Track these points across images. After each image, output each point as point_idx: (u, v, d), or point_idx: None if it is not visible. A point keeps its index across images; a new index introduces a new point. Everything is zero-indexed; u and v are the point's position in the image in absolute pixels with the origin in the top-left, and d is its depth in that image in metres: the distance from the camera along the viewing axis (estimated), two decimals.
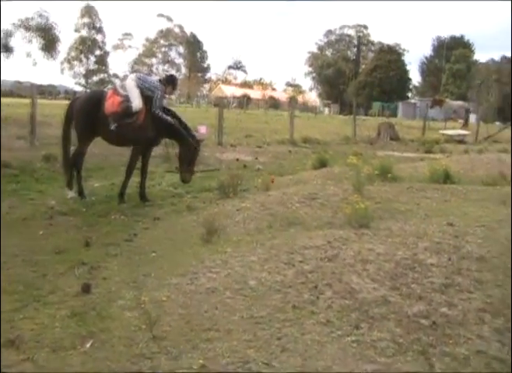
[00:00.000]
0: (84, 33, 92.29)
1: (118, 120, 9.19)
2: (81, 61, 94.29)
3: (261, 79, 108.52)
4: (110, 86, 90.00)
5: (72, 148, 9.91)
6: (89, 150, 10.02)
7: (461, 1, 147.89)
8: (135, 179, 9.80)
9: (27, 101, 17.69)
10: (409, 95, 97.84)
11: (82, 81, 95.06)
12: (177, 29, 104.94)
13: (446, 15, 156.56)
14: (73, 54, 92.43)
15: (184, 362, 3.69)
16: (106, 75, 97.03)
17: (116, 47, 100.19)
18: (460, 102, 47.67)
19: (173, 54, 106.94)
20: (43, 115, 19.22)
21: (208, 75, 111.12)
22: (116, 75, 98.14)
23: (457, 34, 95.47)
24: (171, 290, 4.89)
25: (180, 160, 9.71)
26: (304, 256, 5.32)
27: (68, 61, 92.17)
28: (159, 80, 9.72)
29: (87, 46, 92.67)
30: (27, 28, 33.70)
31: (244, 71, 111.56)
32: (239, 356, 3.75)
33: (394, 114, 70.28)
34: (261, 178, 9.70)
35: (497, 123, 49.11)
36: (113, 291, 5.06)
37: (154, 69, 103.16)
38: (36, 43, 34.56)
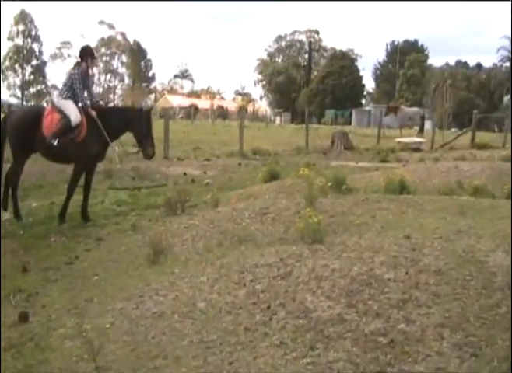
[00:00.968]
0: (19, 41, 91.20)
1: (59, 136, 9.05)
2: (16, 71, 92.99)
3: (208, 88, 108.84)
4: (48, 98, 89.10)
5: (7, 166, 9.73)
6: (26, 167, 9.85)
7: (415, 3, 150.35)
8: (77, 197, 9.65)
9: None
10: (363, 102, 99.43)
11: (18, 93, 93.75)
12: (119, 37, 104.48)
13: (399, 19, 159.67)
14: (7, 63, 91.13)
15: None
16: (44, 86, 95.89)
17: (54, 57, 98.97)
18: (415, 109, 48.43)
19: (115, 63, 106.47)
20: None
21: (153, 85, 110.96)
22: (55, 86, 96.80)
23: (411, 38, 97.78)
24: (115, 315, 4.85)
25: (137, 138, 9.55)
26: (256, 275, 5.32)
27: (2, 72, 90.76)
28: (73, 67, 9.62)
29: (22, 55, 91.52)
30: None
31: (191, 80, 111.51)
32: None
33: (348, 122, 71.14)
34: (210, 193, 9.67)
35: (453, 129, 50.18)
36: (53, 319, 4.99)
37: (96, 79, 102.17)
38: None
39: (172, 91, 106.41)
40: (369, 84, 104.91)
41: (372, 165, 19.29)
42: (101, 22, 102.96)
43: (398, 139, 31.00)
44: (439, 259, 5.32)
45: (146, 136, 9.44)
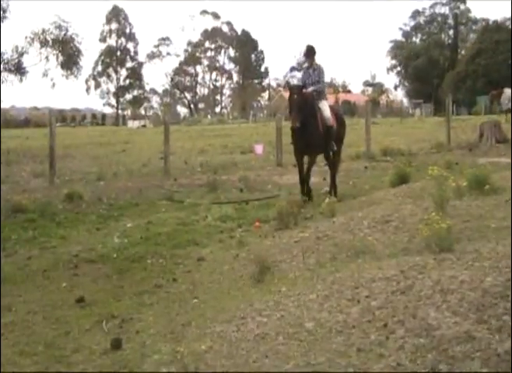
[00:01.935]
0: (112, 41, 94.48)
1: None
2: (109, 76, 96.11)
3: (331, 81, 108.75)
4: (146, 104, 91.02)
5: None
6: (120, 183, 10.46)
7: None
8: (176, 213, 10.10)
9: (46, 131, 18.44)
10: None
11: (113, 100, 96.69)
12: (225, 28, 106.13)
13: None
14: (99, 68, 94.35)
15: None
16: (141, 91, 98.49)
17: (151, 56, 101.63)
18: None
19: (221, 58, 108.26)
20: (63, 146, 19.98)
21: (266, 81, 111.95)
22: (154, 91, 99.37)
23: None
24: (214, 339, 5.20)
25: None
26: (372, 290, 5.53)
27: (94, 78, 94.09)
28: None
29: (116, 57, 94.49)
30: (43, 43, 34.85)
31: None
32: None
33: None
34: (326, 202, 9.92)
35: None
36: (147, 345, 5.43)
37: (199, 79, 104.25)
38: (54, 59, 35.65)
39: None
40: None
41: None
42: (203, 12, 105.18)
43: None
44: None
45: None
